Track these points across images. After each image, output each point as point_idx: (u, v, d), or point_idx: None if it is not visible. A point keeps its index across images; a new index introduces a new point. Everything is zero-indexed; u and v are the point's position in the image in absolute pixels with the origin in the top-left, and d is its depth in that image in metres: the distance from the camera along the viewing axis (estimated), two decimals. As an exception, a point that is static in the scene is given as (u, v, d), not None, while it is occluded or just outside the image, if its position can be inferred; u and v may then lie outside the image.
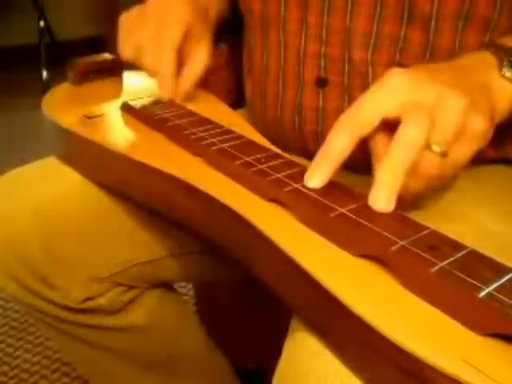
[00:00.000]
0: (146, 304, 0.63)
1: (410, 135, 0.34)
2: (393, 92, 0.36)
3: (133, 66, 0.58)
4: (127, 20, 0.57)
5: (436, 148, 0.35)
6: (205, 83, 0.59)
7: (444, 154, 0.35)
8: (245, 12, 0.61)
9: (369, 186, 0.36)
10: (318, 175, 0.37)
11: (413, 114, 0.35)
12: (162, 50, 0.54)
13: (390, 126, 0.36)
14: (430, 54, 0.49)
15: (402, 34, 0.49)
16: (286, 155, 0.44)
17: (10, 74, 2.69)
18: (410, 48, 0.50)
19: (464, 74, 0.40)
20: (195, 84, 0.57)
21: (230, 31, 0.68)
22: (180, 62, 0.57)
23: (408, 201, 0.37)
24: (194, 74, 0.57)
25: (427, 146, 0.35)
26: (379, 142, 0.37)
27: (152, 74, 0.56)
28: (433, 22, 0.48)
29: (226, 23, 0.67)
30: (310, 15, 0.53)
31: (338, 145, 0.37)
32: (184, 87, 0.57)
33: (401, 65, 0.49)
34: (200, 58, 0.57)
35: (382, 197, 0.34)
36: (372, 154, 0.38)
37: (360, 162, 0.56)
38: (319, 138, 0.56)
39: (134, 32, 0.56)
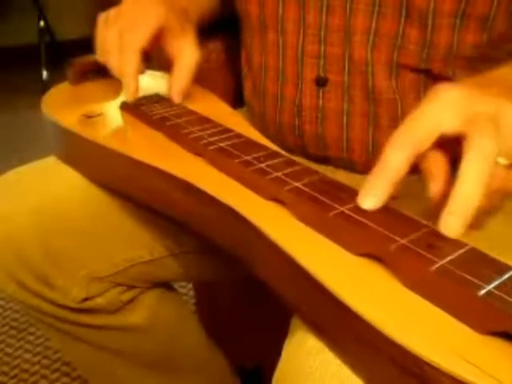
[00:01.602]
0: (145, 304, 0.63)
1: (484, 146, 0.32)
2: (451, 107, 0.34)
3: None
4: (103, 22, 0.57)
5: (502, 160, 0.33)
6: (204, 83, 0.59)
7: (510, 167, 0.33)
8: (241, 13, 0.61)
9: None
10: (373, 195, 0.34)
11: (479, 125, 0.32)
12: (125, 53, 0.53)
13: (439, 144, 0.35)
14: (427, 53, 0.49)
15: (400, 31, 0.49)
16: (286, 154, 0.44)
17: (10, 73, 2.69)
18: (408, 46, 0.50)
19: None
20: (190, 80, 0.57)
21: (226, 30, 0.68)
22: (169, 62, 0.56)
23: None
24: (185, 70, 0.56)
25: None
26: (434, 161, 0.35)
27: (118, 75, 0.56)
28: (430, 20, 0.48)
29: (219, 22, 0.67)
30: (308, 15, 0.53)
31: (395, 162, 0.34)
32: (178, 86, 0.56)
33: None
34: (188, 54, 0.57)
35: (458, 222, 0.31)
36: (426, 173, 0.36)
37: (359, 162, 0.56)
38: (318, 137, 0.56)
39: (104, 34, 0.56)
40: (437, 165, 0.35)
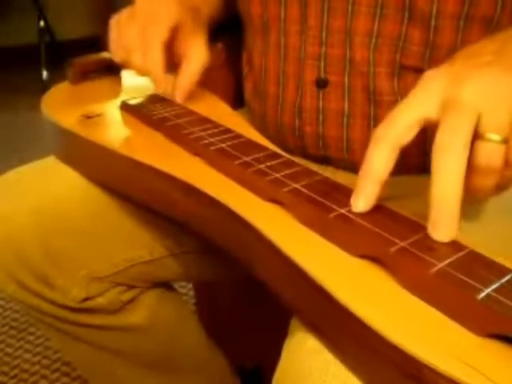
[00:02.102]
0: (145, 304, 0.63)
1: (452, 129, 0.30)
2: (428, 92, 0.33)
3: (120, 64, 0.58)
4: (117, 22, 0.57)
5: (493, 136, 0.31)
6: (204, 83, 0.59)
7: (505, 141, 0.32)
8: (243, 14, 0.61)
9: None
10: (363, 197, 0.34)
11: (452, 109, 0.31)
12: (150, 48, 0.54)
13: None
14: (430, 54, 0.49)
15: (403, 33, 0.49)
16: (286, 155, 0.44)
17: (10, 73, 2.69)
18: (411, 47, 0.50)
19: (508, 43, 0.36)
20: (196, 82, 0.57)
21: (226, 31, 0.68)
22: (176, 61, 0.56)
23: (486, 196, 0.34)
24: (193, 71, 0.56)
25: (482, 138, 0.32)
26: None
27: (143, 73, 0.56)
28: (433, 21, 0.48)
29: (222, 23, 0.67)
30: (309, 16, 0.53)
31: (378, 161, 0.33)
32: (184, 85, 0.56)
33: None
34: (198, 54, 0.57)
35: (444, 228, 0.31)
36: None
37: (360, 163, 0.56)
38: (319, 139, 0.56)
39: (122, 34, 0.56)
40: None
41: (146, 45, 0.54)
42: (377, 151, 0.33)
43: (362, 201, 0.34)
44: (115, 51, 0.57)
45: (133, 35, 0.54)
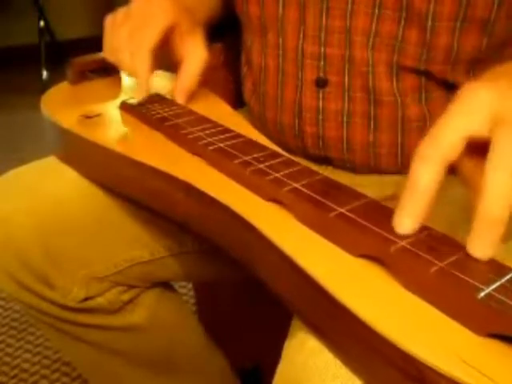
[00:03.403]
0: (145, 303, 0.63)
1: (509, 151, 0.29)
2: (472, 108, 0.31)
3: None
4: (112, 22, 0.57)
5: None
6: (204, 83, 0.59)
7: None
8: (241, 15, 0.61)
9: (368, 186, 0.35)
10: (408, 217, 0.32)
11: (506, 127, 0.30)
12: (138, 50, 0.53)
13: (477, 147, 0.32)
14: (427, 54, 0.49)
15: (400, 33, 0.49)
16: (286, 154, 0.44)
17: (10, 73, 2.69)
18: (408, 47, 0.50)
19: None
20: (196, 82, 0.57)
21: (224, 30, 0.68)
22: (175, 61, 0.56)
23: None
24: (192, 71, 0.56)
25: None
26: (469, 168, 0.32)
27: (130, 74, 0.56)
28: (429, 22, 0.48)
29: (220, 23, 0.67)
30: (308, 16, 0.53)
31: (424, 179, 0.31)
32: (184, 86, 0.56)
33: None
34: (196, 54, 0.57)
35: (485, 245, 0.29)
36: (465, 182, 0.33)
37: (360, 163, 0.56)
38: (319, 139, 0.55)
39: (115, 34, 0.56)
40: (475, 169, 0.32)
41: (135, 46, 0.54)
42: (424, 169, 0.31)
43: (409, 220, 0.32)
44: (107, 51, 0.57)
45: (124, 36, 0.54)
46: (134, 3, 0.57)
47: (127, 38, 0.54)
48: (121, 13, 0.57)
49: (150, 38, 0.53)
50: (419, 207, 0.32)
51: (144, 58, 0.53)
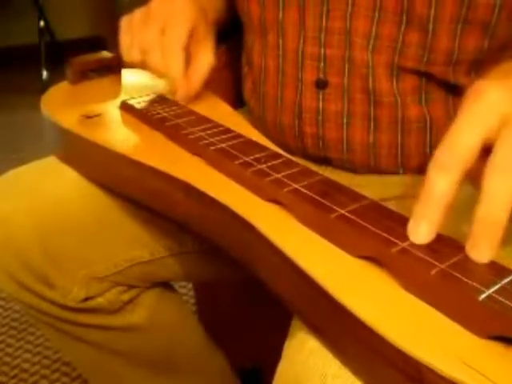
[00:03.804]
0: (145, 303, 0.63)
1: (508, 156, 0.29)
2: (486, 108, 0.30)
3: (132, 65, 0.58)
4: (129, 23, 0.57)
5: None
6: (204, 83, 0.59)
7: None
8: (242, 15, 0.61)
9: (368, 186, 0.35)
10: (426, 224, 0.31)
11: (508, 130, 0.29)
12: (171, 49, 0.53)
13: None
14: (428, 56, 0.49)
15: (401, 35, 0.49)
16: (287, 155, 0.44)
17: (10, 73, 2.69)
18: (409, 50, 0.50)
19: None
20: (201, 86, 0.57)
21: (228, 32, 0.68)
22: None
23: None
24: (201, 74, 0.57)
25: None
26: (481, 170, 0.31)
27: (161, 74, 0.56)
28: (430, 25, 0.48)
29: (225, 24, 0.67)
30: (308, 18, 0.53)
31: (440, 188, 0.30)
32: (193, 88, 0.56)
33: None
34: (206, 58, 0.57)
35: (484, 247, 0.29)
36: (474, 184, 0.32)
37: (360, 164, 0.56)
38: (319, 139, 0.55)
39: (138, 34, 0.55)
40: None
41: (167, 46, 0.54)
42: (439, 177, 0.31)
43: (425, 228, 0.31)
44: (128, 51, 0.56)
45: (151, 36, 0.54)
46: (154, 3, 0.56)
47: (155, 39, 0.54)
48: (139, 13, 0.56)
49: (181, 35, 0.54)
50: (435, 218, 0.31)
51: (178, 56, 0.53)
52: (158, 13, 0.55)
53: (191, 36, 0.56)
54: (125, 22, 0.57)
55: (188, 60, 0.57)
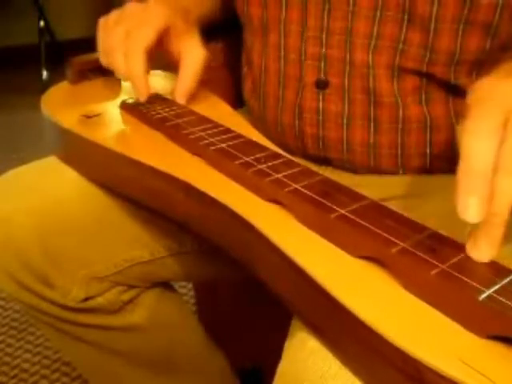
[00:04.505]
0: (145, 303, 0.63)
1: (508, 155, 0.28)
2: (494, 112, 0.30)
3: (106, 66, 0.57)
4: (105, 24, 0.56)
5: None
6: (204, 83, 0.59)
7: None
8: (242, 16, 0.61)
9: (368, 186, 0.35)
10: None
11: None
12: (132, 51, 0.53)
13: None
14: (429, 57, 0.49)
15: (402, 35, 0.49)
16: (287, 155, 0.44)
17: (10, 73, 2.69)
18: (410, 50, 0.49)
19: None
20: (197, 81, 0.57)
21: (223, 28, 0.68)
22: (173, 61, 0.56)
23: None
24: (192, 71, 0.56)
25: None
26: None
27: (124, 77, 0.55)
28: (432, 25, 0.48)
29: (219, 23, 0.67)
30: (309, 17, 0.53)
31: (472, 213, 0.29)
32: (184, 87, 0.56)
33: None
34: (194, 54, 0.56)
35: (485, 245, 0.29)
36: None
37: (360, 164, 0.56)
38: (319, 140, 0.55)
39: (108, 36, 0.55)
40: None
41: (128, 51, 0.53)
42: (469, 203, 0.29)
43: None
44: (100, 53, 0.57)
45: (117, 37, 0.54)
46: (128, 6, 0.56)
47: (121, 40, 0.53)
48: (114, 15, 0.56)
49: (144, 38, 0.53)
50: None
51: (138, 59, 0.52)
52: (130, 15, 0.55)
53: (170, 35, 0.55)
54: (101, 23, 0.57)
55: (175, 59, 0.57)
